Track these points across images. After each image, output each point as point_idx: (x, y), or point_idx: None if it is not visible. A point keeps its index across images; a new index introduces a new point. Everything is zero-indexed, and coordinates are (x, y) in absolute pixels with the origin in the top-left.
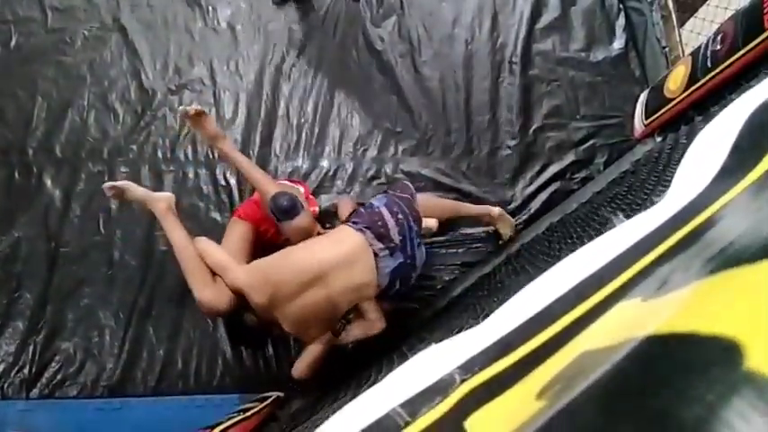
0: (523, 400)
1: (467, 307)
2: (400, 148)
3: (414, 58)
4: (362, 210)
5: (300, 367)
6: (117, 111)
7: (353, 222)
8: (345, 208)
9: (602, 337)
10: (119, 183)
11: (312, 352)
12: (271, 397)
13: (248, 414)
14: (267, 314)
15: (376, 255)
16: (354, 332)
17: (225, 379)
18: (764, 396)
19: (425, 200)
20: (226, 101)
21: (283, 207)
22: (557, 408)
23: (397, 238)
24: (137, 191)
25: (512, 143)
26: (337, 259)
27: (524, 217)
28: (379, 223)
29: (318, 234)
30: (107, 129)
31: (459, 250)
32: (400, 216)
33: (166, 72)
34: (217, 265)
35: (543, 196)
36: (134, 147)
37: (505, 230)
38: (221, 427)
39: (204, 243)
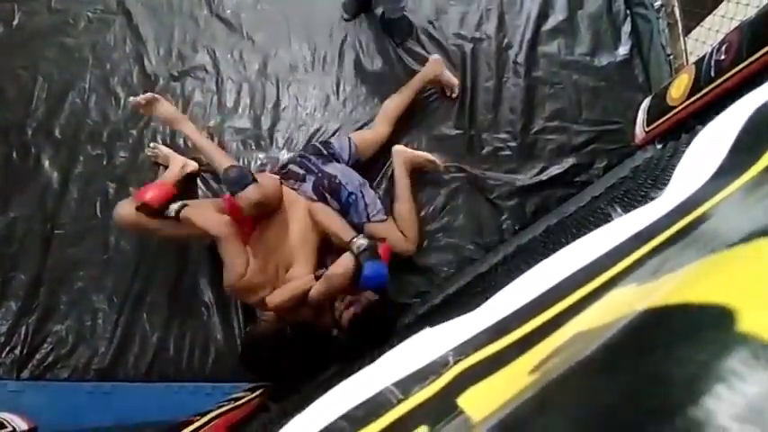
0: (516, 376)
1: (461, 304)
2: (402, 144)
3: (421, 55)
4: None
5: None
6: (118, 95)
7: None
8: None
9: (596, 319)
10: (149, 95)
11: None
12: (262, 387)
13: (238, 403)
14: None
15: (296, 189)
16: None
17: (216, 367)
18: (758, 355)
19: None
20: (228, 89)
21: (230, 178)
22: (550, 378)
23: (299, 171)
24: (168, 108)
25: (512, 144)
26: (285, 206)
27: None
28: (284, 171)
29: None
30: (107, 112)
31: (456, 248)
32: (297, 158)
33: (170, 58)
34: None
35: (541, 199)
36: (134, 132)
37: (449, 81)
38: (211, 414)
39: (225, 244)
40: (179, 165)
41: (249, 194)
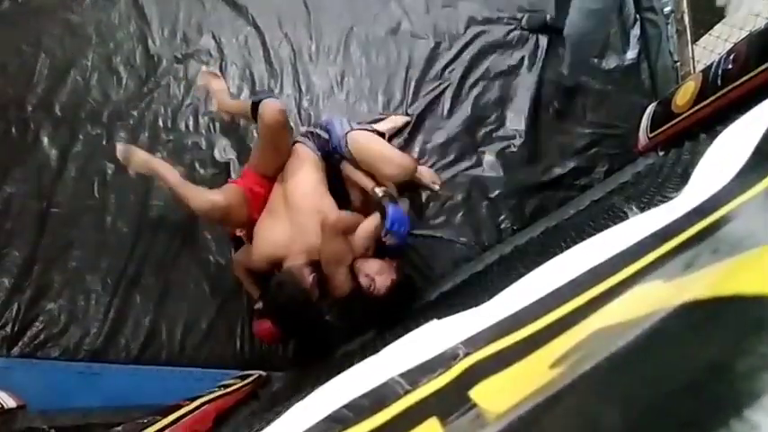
0: (535, 370)
1: (456, 302)
2: (406, 138)
3: (434, 53)
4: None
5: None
6: (120, 74)
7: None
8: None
9: (622, 314)
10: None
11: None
12: (252, 375)
13: (228, 390)
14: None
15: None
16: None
17: (208, 354)
18: None
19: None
20: (232, 74)
21: (260, 90)
22: (579, 372)
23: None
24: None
25: (516, 143)
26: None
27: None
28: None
29: None
30: (109, 92)
31: (453, 246)
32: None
33: (174, 40)
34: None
35: (541, 200)
36: (135, 113)
37: (429, 181)
38: (200, 400)
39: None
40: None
41: (272, 102)
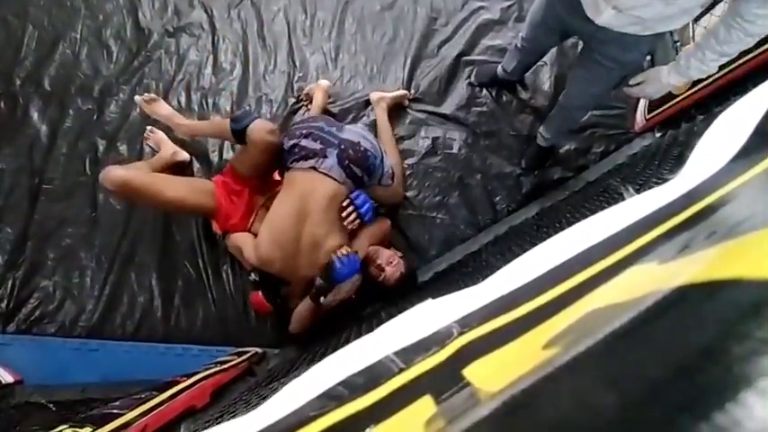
0: (528, 350)
1: (451, 282)
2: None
3: (430, 29)
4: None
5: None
6: (111, 48)
7: (288, 167)
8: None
9: (616, 295)
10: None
11: (301, 310)
12: (249, 352)
13: (225, 366)
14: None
15: (316, 168)
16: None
17: (204, 330)
18: None
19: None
20: (224, 49)
21: (239, 116)
22: (573, 353)
23: (316, 145)
24: (166, 109)
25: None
26: (303, 192)
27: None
28: (296, 150)
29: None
30: (99, 66)
31: (448, 226)
32: (304, 130)
33: (165, 12)
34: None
35: (536, 180)
36: (126, 87)
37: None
38: (197, 376)
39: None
40: (169, 151)
41: (261, 124)
